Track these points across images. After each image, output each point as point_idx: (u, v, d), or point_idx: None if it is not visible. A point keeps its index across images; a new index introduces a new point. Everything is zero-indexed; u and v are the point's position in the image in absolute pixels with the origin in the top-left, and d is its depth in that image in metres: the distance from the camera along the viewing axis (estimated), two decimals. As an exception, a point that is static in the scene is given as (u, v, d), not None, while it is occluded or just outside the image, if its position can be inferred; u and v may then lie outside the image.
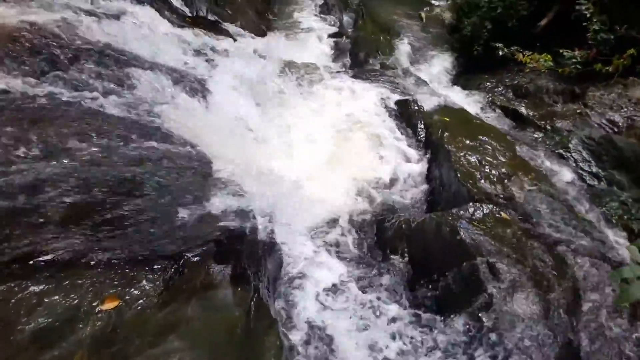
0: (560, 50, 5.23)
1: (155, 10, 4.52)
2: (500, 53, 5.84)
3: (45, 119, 2.93)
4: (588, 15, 5.29)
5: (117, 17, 4.06)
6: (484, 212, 3.47)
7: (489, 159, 4.22)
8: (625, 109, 5.14)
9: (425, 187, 4.20)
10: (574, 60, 5.14)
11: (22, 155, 2.64)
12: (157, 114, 3.47)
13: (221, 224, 2.86)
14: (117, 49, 3.75)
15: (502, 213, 3.54)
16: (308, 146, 4.36)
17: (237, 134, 3.97)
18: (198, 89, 4.04)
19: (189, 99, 3.84)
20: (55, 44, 3.46)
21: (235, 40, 5.27)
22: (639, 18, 5.02)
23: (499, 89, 6.27)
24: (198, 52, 4.45)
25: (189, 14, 5.18)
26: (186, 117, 3.64)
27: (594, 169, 4.55)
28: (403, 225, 3.42)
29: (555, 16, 6.39)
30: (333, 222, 3.54)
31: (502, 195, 3.84)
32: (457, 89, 6.22)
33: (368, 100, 5.09)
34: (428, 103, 5.17)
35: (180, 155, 3.27)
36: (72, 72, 3.32)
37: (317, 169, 4.11)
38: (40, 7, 3.74)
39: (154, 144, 3.21)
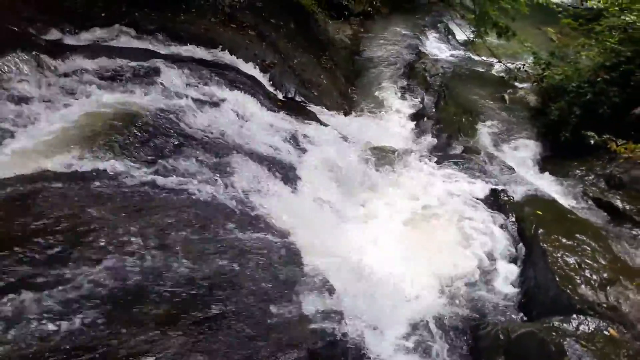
0: (660, 141, 4.98)
1: (252, 95, 4.73)
2: (592, 142, 5.64)
3: (150, 207, 3.04)
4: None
5: (217, 104, 4.27)
6: (591, 327, 3.20)
7: (588, 261, 3.94)
8: None
9: (518, 287, 3.94)
10: (675, 152, 4.87)
11: (126, 246, 2.71)
12: (251, 202, 3.53)
13: (312, 326, 2.79)
14: (216, 136, 3.92)
15: (610, 330, 3.24)
16: (393, 236, 4.26)
17: (324, 223, 3.95)
18: (288, 175, 4.11)
19: (280, 185, 3.90)
20: (161, 131, 3.65)
21: (320, 122, 5.38)
22: None
23: (590, 177, 5.96)
24: (287, 137, 4.56)
25: (280, 97, 5.39)
26: (277, 205, 3.68)
27: None
28: (500, 336, 3.19)
29: (653, 104, 6.13)
30: (422, 325, 3.35)
31: (605, 305, 3.56)
32: (544, 176, 5.98)
33: (452, 187, 4.96)
34: (517, 192, 4.98)
35: (272, 246, 3.27)
36: (176, 159, 3.47)
37: (403, 261, 3.97)
38: (149, 96, 3.99)
39: (248, 233, 3.23)
